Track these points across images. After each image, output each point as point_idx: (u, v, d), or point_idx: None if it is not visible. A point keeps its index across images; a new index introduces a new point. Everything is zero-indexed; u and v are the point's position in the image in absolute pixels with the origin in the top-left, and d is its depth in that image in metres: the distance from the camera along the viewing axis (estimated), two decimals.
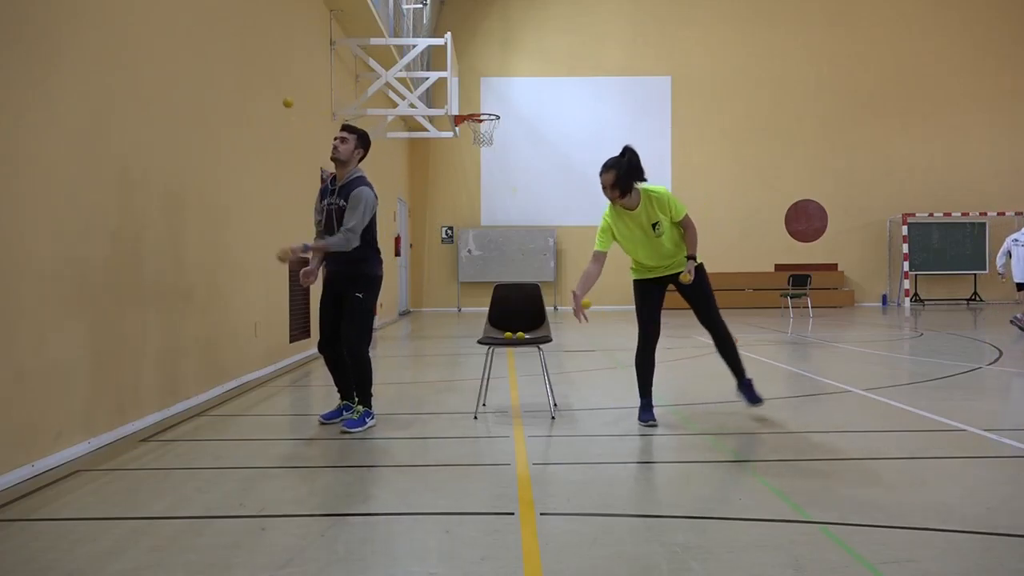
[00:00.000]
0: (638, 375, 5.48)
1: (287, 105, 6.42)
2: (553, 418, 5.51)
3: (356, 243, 5.22)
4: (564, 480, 4.05)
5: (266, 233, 8.13)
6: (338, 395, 5.53)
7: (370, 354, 5.40)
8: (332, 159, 5.34)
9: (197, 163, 6.36)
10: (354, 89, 12.68)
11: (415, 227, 20.19)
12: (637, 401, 5.48)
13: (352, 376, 5.32)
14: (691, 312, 5.64)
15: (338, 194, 5.29)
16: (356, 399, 5.33)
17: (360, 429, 5.13)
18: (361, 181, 5.32)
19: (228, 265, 7.03)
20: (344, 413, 5.42)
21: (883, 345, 10.81)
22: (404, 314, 18.78)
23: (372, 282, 5.36)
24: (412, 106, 13.11)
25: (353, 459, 4.60)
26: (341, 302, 5.33)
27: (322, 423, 5.38)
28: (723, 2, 20.46)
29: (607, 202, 5.29)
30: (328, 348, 5.42)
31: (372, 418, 5.28)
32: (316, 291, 10.01)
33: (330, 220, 5.27)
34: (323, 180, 9.89)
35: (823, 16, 20.43)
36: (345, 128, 5.40)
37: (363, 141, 5.42)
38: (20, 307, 4.05)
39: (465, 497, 3.73)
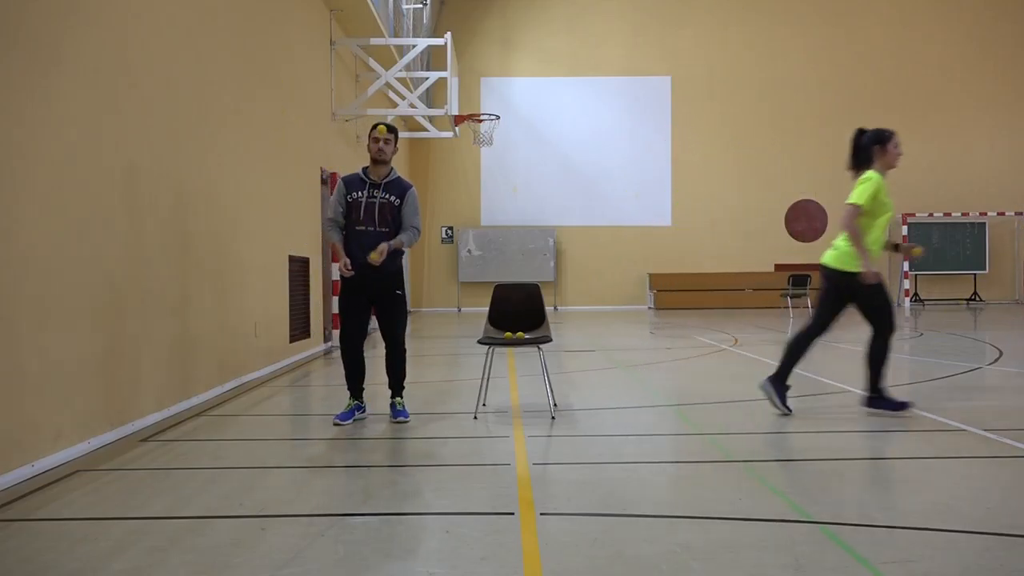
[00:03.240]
0: (790, 356, 5.45)
1: None
2: (553, 418, 5.50)
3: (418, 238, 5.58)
4: (564, 480, 4.05)
5: (266, 233, 8.13)
6: (349, 395, 5.51)
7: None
8: (378, 160, 5.45)
9: (197, 163, 6.36)
10: (354, 89, 12.68)
11: None
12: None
13: (398, 369, 5.57)
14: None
15: (385, 189, 5.44)
16: (393, 391, 5.57)
17: (408, 418, 5.43)
18: (407, 180, 5.62)
19: (228, 265, 7.03)
20: (357, 413, 5.49)
21: None
22: None
23: (402, 275, 5.64)
24: (412, 106, 13.11)
25: (353, 459, 4.60)
26: (377, 299, 5.50)
27: (337, 424, 5.37)
28: (723, 2, 20.46)
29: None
30: (355, 341, 5.51)
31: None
32: (316, 291, 10.07)
33: (372, 213, 5.38)
34: (323, 181, 9.82)
35: (823, 16, 20.43)
36: (387, 128, 5.50)
37: (397, 138, 5.63)
38: (20, 307, 4.05)
39: (465, 497, 3.73)
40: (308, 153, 9.86)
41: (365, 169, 5.53)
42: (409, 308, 19.51)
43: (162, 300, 5.67)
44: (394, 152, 5.54)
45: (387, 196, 5.42)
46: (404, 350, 5.59)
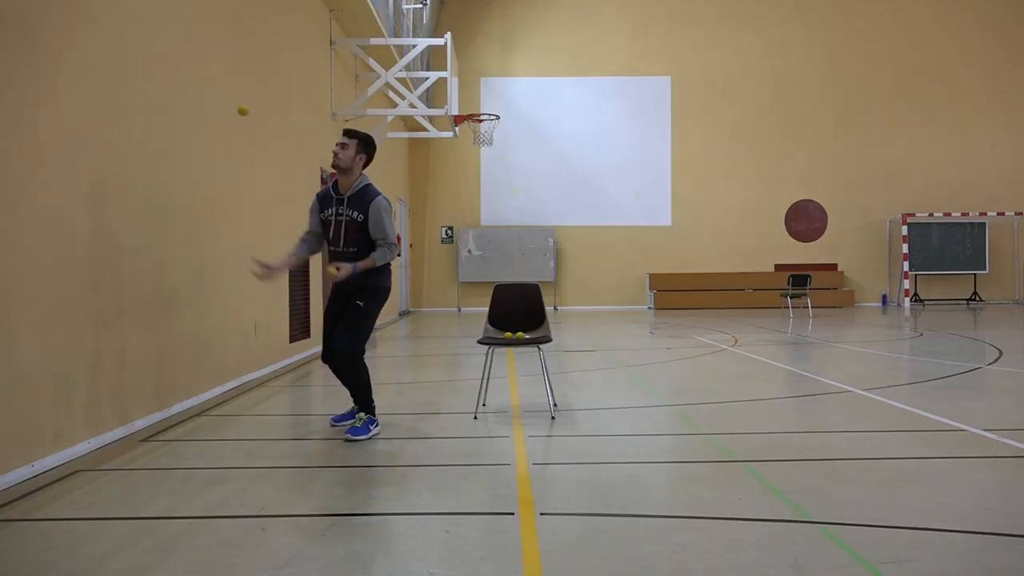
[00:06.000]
0: None
1: (242, 113, 5.81)
2: (553, 418, 5.50)
3: (398, 252, 5.07)
4: (564, 480, 4.05)
5: (266, 233, 8.13)
6: (351, 399, 5.45)
7: (370, 354, 5.37)
8: (333, 167, 5.12)
9: (197, 163, 6.36)
10: (354, 89, 12.69)
11: (415, 227, 20.18)
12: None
13: (347, 380, 5.14)
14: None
15: (348, 205, 5.05)
16: (356, 407, 5.16)
17: (364, 437, 4.93)
18: (373, 190, 5.12)
19: (228, 265, 7.03)
20: (358, 415, 5.34)
21: (883, 345, 10.80)
22: (404, 314, 18.78)
23: (378, 292, 5.17)
24: (412, 106, 13.11)
25: (353, 459, 4.60)
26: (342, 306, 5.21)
27: (333, 425, 5.32)
28: (723, 2, 20.45)
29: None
30: (331, 359, 5.19)
31: (376, 425, 5.08)
32: (316, 290, 10.07)
33: (339, 232, 5.05)
34: (323, 181, 9.73)
35: (823, 16, 20.42)
36: (345, 133, 5.17)
37: (365, 145, 5.17)
38: (21, 307, 4.05)
39: (465, 497, 3.73)
40: (308, 153, 9.86)
41: (335, 182, 5.18)
42: (409, 308, 19.51)
43: (162, 299, 5.67)
44: (356, 159, 5.10)
45: (351, 212, 5.02)
46: (354, 362, 5.03)
